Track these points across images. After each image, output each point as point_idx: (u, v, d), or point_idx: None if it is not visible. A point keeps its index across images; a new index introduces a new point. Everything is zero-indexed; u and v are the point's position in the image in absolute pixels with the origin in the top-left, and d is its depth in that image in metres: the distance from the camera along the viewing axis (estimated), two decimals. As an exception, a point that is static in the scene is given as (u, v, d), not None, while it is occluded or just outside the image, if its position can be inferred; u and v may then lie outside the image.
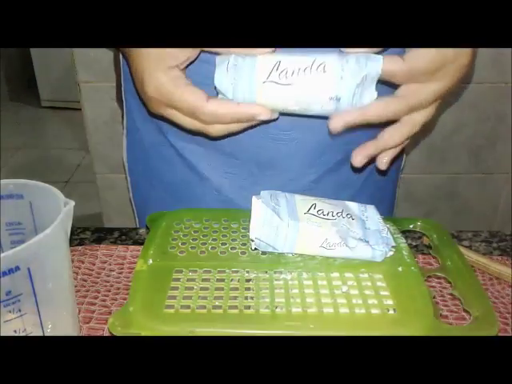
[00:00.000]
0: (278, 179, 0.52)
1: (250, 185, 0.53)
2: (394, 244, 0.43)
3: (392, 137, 0.44)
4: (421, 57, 0.40)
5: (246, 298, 0.38)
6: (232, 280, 0.40)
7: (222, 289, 0.39)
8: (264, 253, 0.43)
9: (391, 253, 0.43)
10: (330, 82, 0.39)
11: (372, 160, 0.46)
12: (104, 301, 0.43)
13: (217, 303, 0.37)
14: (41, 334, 0.34)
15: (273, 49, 0.40)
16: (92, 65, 1.03)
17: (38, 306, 0.33)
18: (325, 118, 0.42)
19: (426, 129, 1.11)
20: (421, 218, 0.50)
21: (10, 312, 0.32)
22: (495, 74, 1.07)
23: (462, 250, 0.47)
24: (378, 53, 0.40)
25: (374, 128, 0.44)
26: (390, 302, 0.38)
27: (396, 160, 0.61)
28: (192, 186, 0.55)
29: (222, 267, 0.41)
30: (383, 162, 0.46)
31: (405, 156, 0.64)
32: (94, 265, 0.47)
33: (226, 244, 0.44)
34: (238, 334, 0.35)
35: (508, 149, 1.16)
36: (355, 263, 0.42)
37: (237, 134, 0.44)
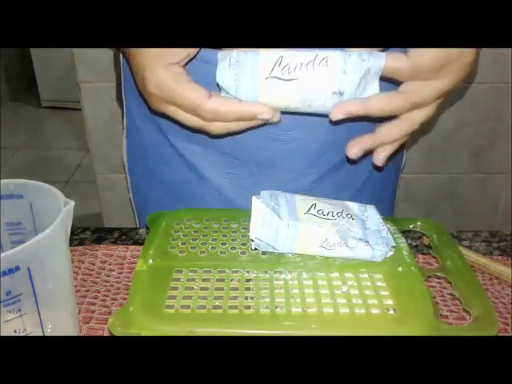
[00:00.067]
0: (279, 179, 0.52)
1: (251, 185, 0.53)
2: (393, 244, 0.43)
3: (390, 132, 0.44)
4: (425, 54, 0.40)
5: (246, 297, 0.38)
6: (232, 280, 0.40)
7: (222, 289, 0.39)
8: (264, 253, 0.43)
9: (391, 253, 0.43)
10: (332, 76, 0.39)
11: (369, 153, 0.45)
12: (104, 301, 0.43)
13: (217, 303, 0.37)
14: (41, 333, 0.34)
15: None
16: (92, 65, 1.03)
17: (37, 306, 0.33)
18: (327, 116, 0.42)
19: (426, 127, 1.11)
20: (421, 218, 0.50)
21: (9, 312, 0.32)
22: (495, 74, 1.07)
23: (462, 249, 0.47)
24: (380, 51, 0.40)
25: (374, 126, 0.44)
26: (390, 302, 0.38)
27: (396, 160, 0.61)
28: (192, 186, 0.55)
29: (222, 267, 0.41)
30: (380, 158, 0.45)
31: (405, 156, 0.64)
32: (94, 265, 0.47)
33: (225, 244, 0.44)
34: (237, 334, 0.35)
35: (508, 149, 1.16)
36: (355, 263, 0.42)
37: (237, 133, 0.44)
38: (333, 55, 0.39)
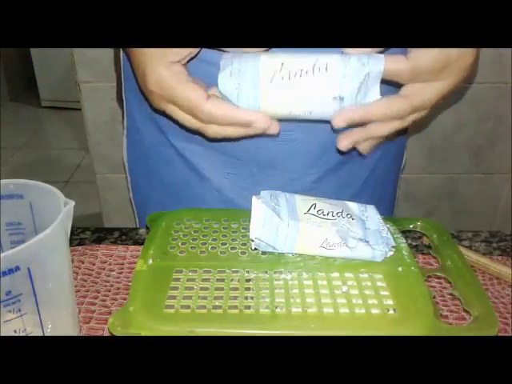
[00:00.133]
0: (279, 179, 0.52)
1: (251, 185, 0.53)
2: (393, 244, 0.43)
3: (382, 127, 0.43)
4: (425, 56, 0.40)
5: (246, 298, 0.38)
6: (232, 280, 0.40)
7: (222, 289, 0.39)
8: (264, 253, 0.43)
9: (391, 253, 0.43)
10: (332, 81, 0.39)
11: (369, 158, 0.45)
12: (104, 301, 0.43)
13: (217, 303, 0.37)
14: (41, 334, 0.34)
15: (275, 51, 0.40)
16: (92, 65, 1.03)
17: (38, 306, 0.33)
18: (328, 122, 0.42)
19: (420, 125, 1.11)
20: (421, 218, 0.50)
21: (9, 312, 0.32)
22: (495, 74, 1.07)
23: (462, 249, 0.47)
24: (379, 53, 0.40)
25: None
26: (390, 302, 0.38)
27: (396, 160, 0.62)
28: (192, 186, 0.55)
29: (222, 267, 0.41)
30: (365, 149, 0.45)
31: (405, 156, 0.64)
32: (94, 265, 0.47)
33: (225, 244, 0.44)
34: (237, 334, 0.35)
35: (508, 149, 1.16)
36: (355, 263, 0.42)
37: (235, 140, 0.44)
38: (332, 61, 0.39)
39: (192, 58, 0.42)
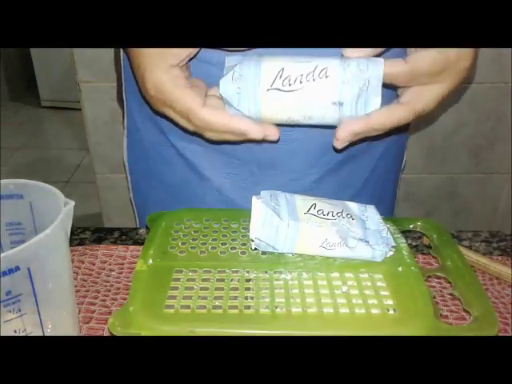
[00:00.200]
0: (279, 179, 0.52)
1: (251, 185, 0.53)
2: (393, 244, 0.43)
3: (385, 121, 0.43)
4: (423, 58, 0.40)
5: (246, 298, 0.38)
6: (232, 280, 0.40)
7: (222, 289, 0.39)
8: (264, 253, 0.43)
9: (391, 253, 0.43)
10: (332, 86, 0.39)
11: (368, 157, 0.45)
12: (104, 301, 0.43)
13: (217, 303, 0.37)
14: (41, 334, 0.34)
15: (275, 55, 0.40)
16: (92, 65, 1.03)
17: (38, 306, 0.33)
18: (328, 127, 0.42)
19: (423, 121, 1.11)
20: (421, 218, 0.50)
21: (10, 312, 0.32)
22: (495, 74, 1.07)
23: (462, 249, 0.47)
24: (378, 56, 0.40)
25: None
26: (390, 302, 0.38)
27: (396, 160, 0.62)
28: (193, 187, 0.55)
29: (222, 267, 0.41)
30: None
31: (405, 156, 0.64)
32: (94, 265, 0.47)
33: (226, 244, 0.44)
34: (237, 334, 0.35)
35: (508, 149, 1.16)
36: (355, 263, 0.42)
37: (233, 143, 0.44)
38: (332, 66, 0.39)
39: (191, 59, 0.42)
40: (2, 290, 0.31)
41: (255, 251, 0.43)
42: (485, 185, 1.22)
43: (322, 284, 0.40)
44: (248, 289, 0.39)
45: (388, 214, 0.62)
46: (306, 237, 0.42)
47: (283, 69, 0.40)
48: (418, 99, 0.41)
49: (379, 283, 0.40)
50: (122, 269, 0.47)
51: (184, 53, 0.41)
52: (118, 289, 0.44)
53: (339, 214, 0.44)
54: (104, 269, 0.47)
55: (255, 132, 0.41)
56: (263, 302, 0.38)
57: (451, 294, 0.42)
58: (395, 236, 0.45)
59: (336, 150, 0.50)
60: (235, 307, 0.37)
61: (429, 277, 0.45)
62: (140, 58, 0.42)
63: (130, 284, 0.42)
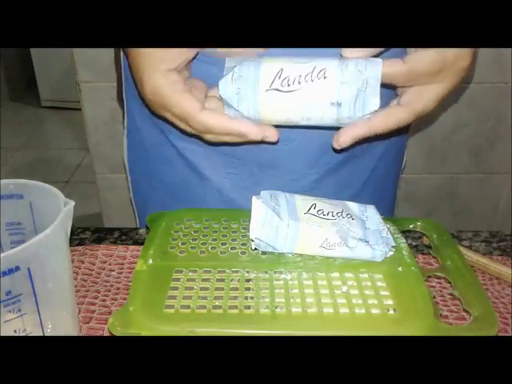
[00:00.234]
0: (279, 179, 0.52)
1: (251, 185, 0.53)
2: (393, 244, 0.43)
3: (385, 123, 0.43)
4: (421, 58, 0.40)
5: (246, 298, 0.38)
6: (232, 280, 0.40)
7: (222, 289, 0.39)
8: (264, 253, 0.43)
9: (391, 253, 0.43)
10: (330, 87, 0.39)
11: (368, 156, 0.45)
12: (104, 301, 0.43)
13: (217, 303, 0.37)
14: (41, 334, 0.34)
15: (274, 56, 0.40)
16: (92, 65, 1.03)
17: (38, 306, 0.33)
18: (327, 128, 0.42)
19: (425, 121, 1.11)
20: (421, 218, 0.50)
21: (10, 312, 0.32)
22: (495, 74, 1.07)
23: (462, 249, 0.47)
24: (377, 56, 0.40)
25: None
26: (390, 302, 0.38)
27: (396, 160, 0.62)
28: (193, 187, 0.55)
29: (222, 267, 0.41)
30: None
31: (405, 156, 0.64)
32: (94, 265, 0.47)
33: (226, 244, 0.44)
34: (237, 334, 0.35)
35: (508, 149, 1.16)
36: (355, 263, 0.42)
37: (233, 144, 0.44)
38: (331, 67, 0.39)
39: (189, 62, 0.43)
40: (2, 289, 0.31)
41: (255, 251, 0.43)
42: (485, 185, 1.22)
43: (322, 284, 0.40)
44: (248, 289, 0.39)
45: (388, 214, 0.62)
46: (306, 237, 0.42)
47: (282, 69, 0.40)
48: (418, 100, 0.41)
49: (379, 283, 0.40)
50: (121, 269, 0.47)
51: (181, 57, 0.41)
52: (118, 289, 0.44)
53: (339, 214, 0.44)
54: (104, 269, 0.47)
55: (254, 133, 0.41)
56: (263, 301, 0.38)
57: (451, 294, 0.42)
58: (395, 236, 0.45)
59: (336, 151, 0.50)
60: (235, 307, 0.37)
61: (429, 277, 0.45)
62: (138, 60, 0.42)
63: (129, 284, 0.42)
